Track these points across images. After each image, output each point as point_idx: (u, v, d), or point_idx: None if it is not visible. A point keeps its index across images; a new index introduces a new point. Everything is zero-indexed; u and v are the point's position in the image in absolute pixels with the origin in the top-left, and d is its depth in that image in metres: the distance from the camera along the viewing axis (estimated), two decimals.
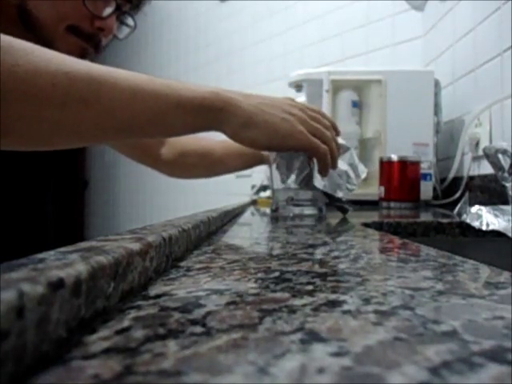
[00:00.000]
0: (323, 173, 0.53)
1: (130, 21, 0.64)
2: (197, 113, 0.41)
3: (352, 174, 0.60)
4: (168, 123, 0.40)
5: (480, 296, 0.15)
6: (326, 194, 0.58)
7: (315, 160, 0.53)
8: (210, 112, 0.42)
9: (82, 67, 0.34)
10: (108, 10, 0.56)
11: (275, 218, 0.58)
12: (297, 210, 0.58)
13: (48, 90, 0.32)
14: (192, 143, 0.77)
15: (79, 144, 0.40)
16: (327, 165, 0.52)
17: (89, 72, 0.34)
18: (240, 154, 0.75)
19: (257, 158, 0.75)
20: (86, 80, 0.34)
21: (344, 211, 0.61)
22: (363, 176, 0.62)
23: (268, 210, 0.74)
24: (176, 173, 0.81)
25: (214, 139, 0.77)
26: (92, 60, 0.61)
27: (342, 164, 0.57)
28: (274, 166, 0.58)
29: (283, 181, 0.57)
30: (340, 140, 0.57)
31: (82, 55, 0.58)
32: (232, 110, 0.43)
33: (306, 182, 0.55)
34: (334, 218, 0.57)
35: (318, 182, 0.55)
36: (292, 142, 0.48)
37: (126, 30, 0.65)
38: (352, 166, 0.60)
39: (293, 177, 0.56)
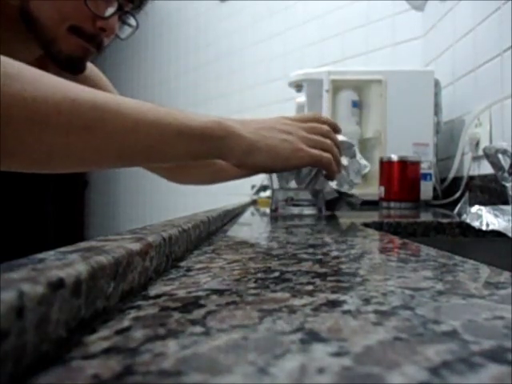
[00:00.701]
0: (331, 178, 0.54)
1: (131, 20, 0.64)
2: (198, 141, 0.41)
3: (354, 169, 0.60)
4: (169, 151, 0.41)
5: (480, 296, 0.15)
6: (337, 191, 0.59)
7: None
8: (212, 141, 0.42)
9: (87, 94, 0.35)
10: (110, 10, 0.56)
11: (275, 217, 0.58)
12: (296, 210, 0.58)
13: (53, 116, 0.33)
14: None
15: (80, 169, 0.41)
16: (333, 171, 0.52)
17: (94, 99, 0.35)
18: None
19: None
20: (91, 107, 0.35)
21: (353, 206, 0.61)
22: (366, 170, 0.62)
23: (268, 210, 0.74)
24: (178, 179, 0.81)
25: None
26: (93, 60, 0.61)
27: (344, 160, 0.58)
28: None
29: (282, 185, 0.58)
30: (341, 137, 0.58)
31: (84, 55, 0.58)
32: (234, 139, 0.44)
33: (314, 183, 0.56)
34: (333, 218, 0.57)
35: (345, 187, 0.56)
36: (295, 162, 0.49)
37: (127, 30, 0.65)
38: (354, 161, 0.61)
39: (293, 180, 0.56)
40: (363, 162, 0.62)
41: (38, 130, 0.33)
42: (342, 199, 0.60)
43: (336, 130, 0.57)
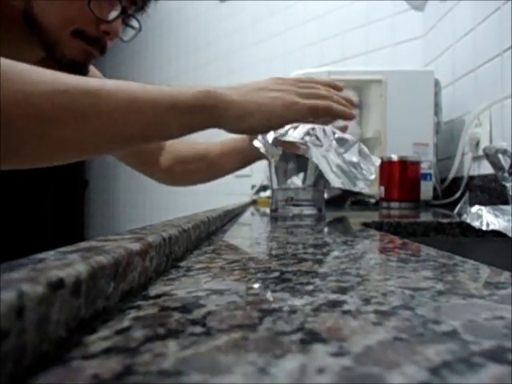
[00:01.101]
0: (347, 119, 0.53)
1: (134, 23, 0.63)
2: (191, 113, 0.42)
3: (365, 164, 0.59)
4: (165, 126, 0.41)
5: (480, 296, 0.15)
6: (345, 190, 0.57)
7: (313, 159, 0.53)
8: (204, 111, 0.43)
9: (78, 82, 0.35)
10: (113, 14, 0.56)
11: (275, 218, 0.58)
12: (296, 210, 0.58)
13: (48, 110, 0.33)
14: (187, 148, 0.77)
15: (83, 158, 0.42)
16: (341, 113, 0.51)
17: (85, 87, 0.35)
18: (236, 153, 0.75)
19: (254, 154, 0.73)
20: (84, 95, 0.35)
21: (365, 204, 0.60)
22: (377, 163, 0.61)
23: (268, 210, 0.74)
24: (176, 180, 0.81)
25: (210, 141, 0.77)
26: (95, 62, 0.61)
27: (352, 156, 0.57)
28: (272, 169, 0.58)
29: (281, 181, 0.57)
30: (344, 135, 0.57)
31: (87, 59, 0.58)
32: (225, 106, 0.44)
33: (315, 183, 0.55)
34: (340, 220, 0.57)
35: (335, 181, 0.54)
36: (291, 116, 0.49)
37: (130, 32, 0.65)
38: (363, 155, 0.59)
39: (294, 178, 0.56)
40: (373, 156, 0.61)
41: (36, 126, 0.33)
42: (347, 197, 0.59)
43: (336, 87, 0.55)
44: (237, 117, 0.45)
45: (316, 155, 0.53)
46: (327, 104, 0.50)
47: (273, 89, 0.48)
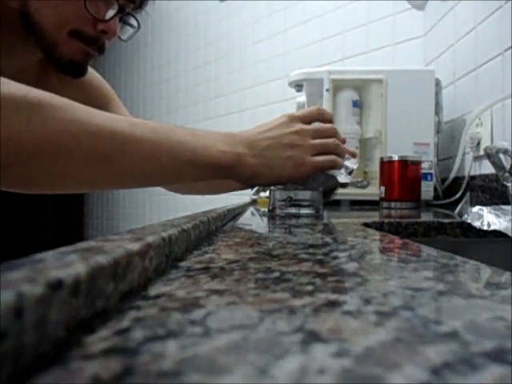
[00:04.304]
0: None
1: (132, 21, 0.63)
2: (207, 170, 0.44)
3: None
4: (180, 177, 0.44)
5: (481, 296, 0.15)
6: (345, 184, 0.58)
7: None
8: (219, 169, 0.45)
9: (105, 124, 0.36)
10: (110, 13, 0.56)
11: (273, 217, 0.58)
12: (293, 210, 0.58)
13: (74, 149, 0.34)
14: None
15: (94, 191, 0.43)
16: (339, 165, 0.55)
17: (112, 130, 0.36)
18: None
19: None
20: (110, 138, 0.36)
21: (363, 187, 0.61)
22: (354, 166, 0.62)
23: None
24: (179, 190, 0.81)
25: None
26: (94, 62, 0.61)
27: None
28: None
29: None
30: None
31: (85, 59, 0.58)
32: (239, 168, 0.46)
33: (313, 182, 0.56)
34: (333, 218, 0.57)
35: (343, 178, 0.56)
36: (297, 176, 0.51)
37: (129, 31, 0.65)
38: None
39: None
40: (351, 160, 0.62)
41: (59, 163, 0.34)
42: (351, 185, 0.60)
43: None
44: (248, 177, 0.48)
45: None
46: (332, 161, 0.52)
47: (287, 144, 0.50)
